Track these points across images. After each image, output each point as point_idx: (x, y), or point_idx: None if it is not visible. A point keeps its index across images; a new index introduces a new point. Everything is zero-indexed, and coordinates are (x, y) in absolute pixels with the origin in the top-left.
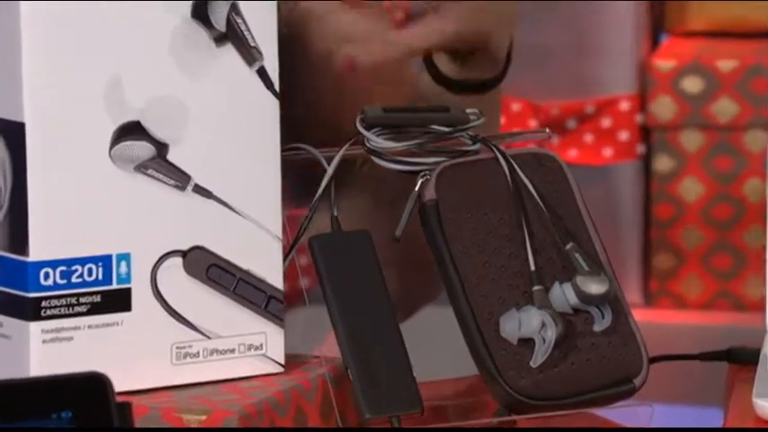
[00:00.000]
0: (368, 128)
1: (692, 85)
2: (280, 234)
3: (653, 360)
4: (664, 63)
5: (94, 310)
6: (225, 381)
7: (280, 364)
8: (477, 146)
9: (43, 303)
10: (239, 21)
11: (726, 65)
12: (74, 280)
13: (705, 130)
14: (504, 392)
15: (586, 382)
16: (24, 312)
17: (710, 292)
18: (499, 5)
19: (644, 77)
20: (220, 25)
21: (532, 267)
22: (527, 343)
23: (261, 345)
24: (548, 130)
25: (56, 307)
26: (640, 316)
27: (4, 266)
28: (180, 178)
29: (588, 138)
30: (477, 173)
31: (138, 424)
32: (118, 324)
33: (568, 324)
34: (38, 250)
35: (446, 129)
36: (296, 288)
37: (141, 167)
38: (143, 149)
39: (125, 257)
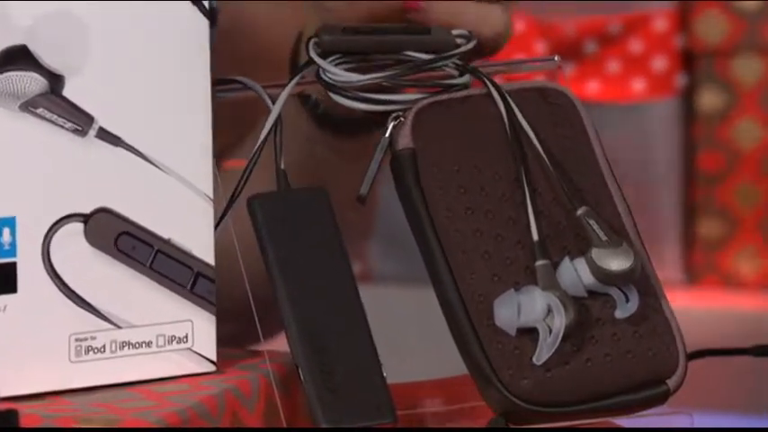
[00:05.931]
0: (324, 55)
1: None
2: (210, 192)
3: (692, 356)
4: None
5: None
6: (139, 382)
7: (210, 361)
8: (466, 78)
9: None
10: None
11: None
12: None
13: (766, 57)
14: (501, 396)
15: (605, 383)
16: None
17: None
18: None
19: None
20: None
21: (536, 237)
22: (529, 334)
23: (186, 336)
24: (557, 57)
25: None
26: (679, 298)
27: None
28: (80, 120)
29: (613, 66)
30: (465, 114)
31: None
32: (0, 310)
33: (582, 309)
34: None
35: (426, 56)
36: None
37: (29, 106)
38: (31, 82)
39: (9, 223)
